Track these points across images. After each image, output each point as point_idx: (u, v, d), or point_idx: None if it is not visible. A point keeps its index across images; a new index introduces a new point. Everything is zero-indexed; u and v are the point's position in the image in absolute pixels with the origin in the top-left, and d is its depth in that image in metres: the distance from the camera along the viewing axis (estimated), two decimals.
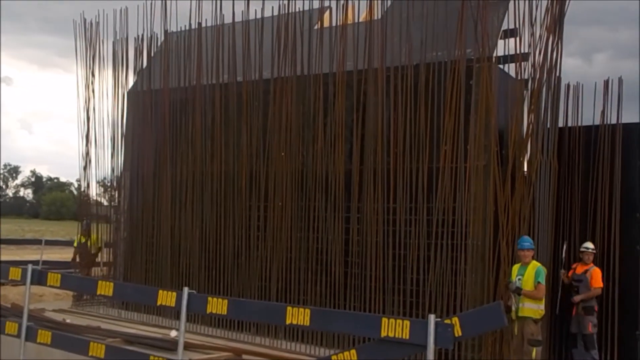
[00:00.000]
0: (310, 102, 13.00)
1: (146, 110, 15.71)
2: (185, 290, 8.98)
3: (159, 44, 15.77)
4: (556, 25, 11.53)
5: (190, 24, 14.82)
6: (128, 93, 16.37)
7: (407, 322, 7.37)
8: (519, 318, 10.67)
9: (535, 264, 10.78)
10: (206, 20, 14.57)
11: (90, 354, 9.77)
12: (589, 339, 11.73)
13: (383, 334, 7.43)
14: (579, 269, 12.06)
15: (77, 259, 17.89)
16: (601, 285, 11.90)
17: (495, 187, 11.06)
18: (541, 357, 10.89)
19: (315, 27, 13.29)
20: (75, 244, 18.42)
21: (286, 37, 13.29)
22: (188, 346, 10.97)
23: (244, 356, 11.42)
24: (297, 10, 13.24)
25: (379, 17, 12.47)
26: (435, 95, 11.56)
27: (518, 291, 10.65)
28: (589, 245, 12.08)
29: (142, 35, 15.75)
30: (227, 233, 13.98)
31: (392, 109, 11.96)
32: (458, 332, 7.12)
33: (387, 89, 12.04)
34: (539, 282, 10.59)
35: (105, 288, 10.17)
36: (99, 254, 17.20)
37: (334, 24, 12.84)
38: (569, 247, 12.55)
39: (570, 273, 12.16)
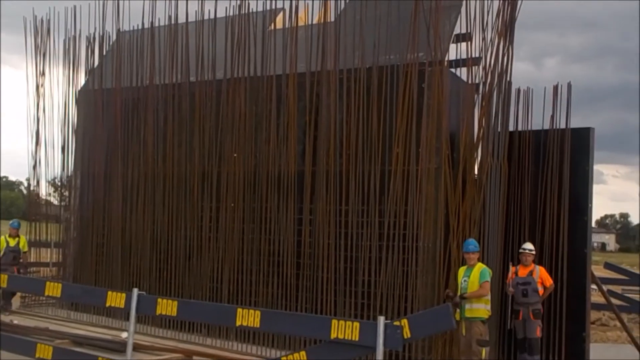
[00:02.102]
0: (264, 103, 12.99)
1: (98, 110, 15.53)
2: (135, 291, 8.91)
3: (111, 42, 15.62)
4: (507, 29, 11.66)
5: (143, 23, 14.71)
6: (79, 92, 16.18)
7: (356, 324, 7.41)
8: (467, 319, 10.73)
9: (480, 266, 10.85)
10: (159, 19, 14.51)
11: (37, 355, 9.62)
12: (535, 342, 11.66)
13: (333, 335, 7.46)
14: (522, 271, 11.87)
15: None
16: (552, 281, 11.94)
17: (446, 189, 11.15)
18: (490, 358, 10.98)
19: (269, 28, 13.27)
20: None
21: (239, 37, 13.26)
22: (138, 347, 10.90)
23: (195, 357, 11.39)
24: (250, 11, 13.22)
25: (333, 19, 12.50)
26: (388, 98, 11.63)
27: (463, 297, 10.71)
28: (528, 246, 12.00)
29: (94, 33, 15.62)
30: (178, 234, 13.90)
31: (344, 111, 12.00)
32: (407, 333, 7.18)
33: (340, 91, 12.07)
34: (484, 281, 10.65)
35: (54, 289, 10.04)
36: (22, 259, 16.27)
37: (287, 25, 12.84)
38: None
39: (511, 277, 11.93)
